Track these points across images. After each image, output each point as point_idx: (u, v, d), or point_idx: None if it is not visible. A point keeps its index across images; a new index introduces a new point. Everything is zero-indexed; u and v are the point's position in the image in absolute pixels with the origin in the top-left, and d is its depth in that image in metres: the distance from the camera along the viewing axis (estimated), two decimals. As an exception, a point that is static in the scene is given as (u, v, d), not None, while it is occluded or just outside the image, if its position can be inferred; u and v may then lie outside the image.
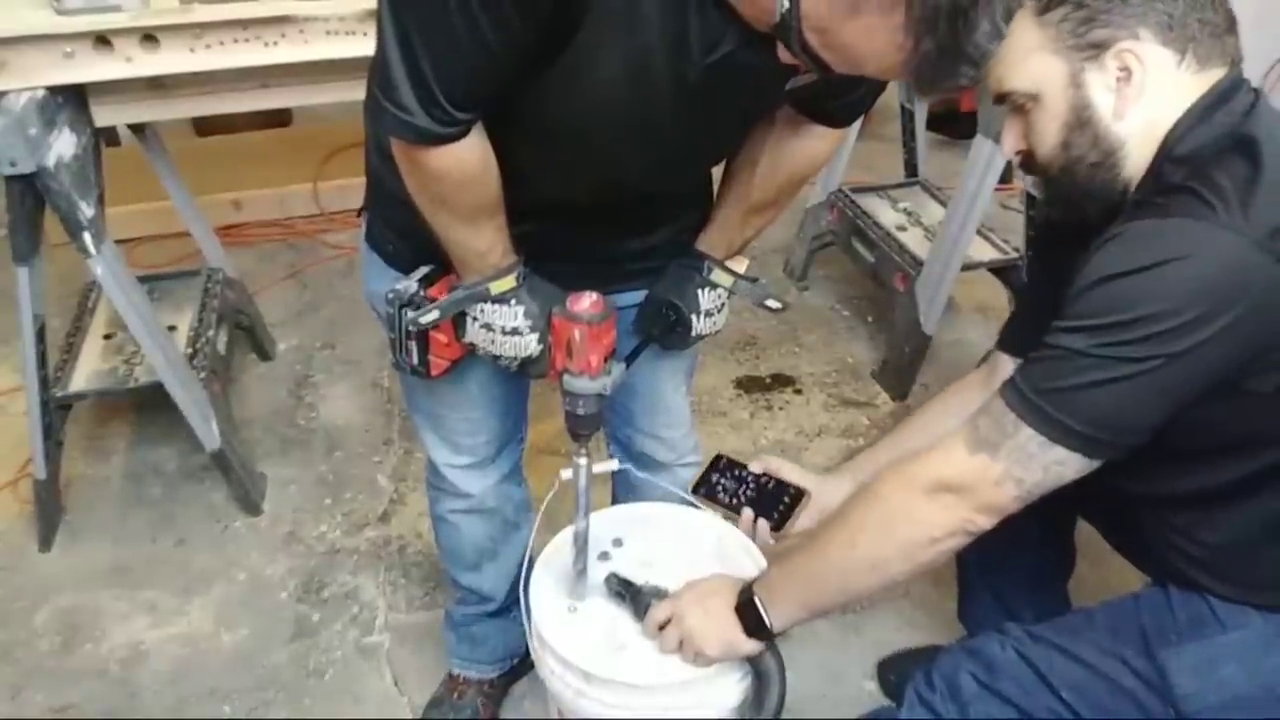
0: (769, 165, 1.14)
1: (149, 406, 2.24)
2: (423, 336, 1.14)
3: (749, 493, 1.31)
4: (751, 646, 1.11)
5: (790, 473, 1.32)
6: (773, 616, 1.09)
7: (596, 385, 1.08)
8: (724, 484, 1.33)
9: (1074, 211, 1.07)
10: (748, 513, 1.29)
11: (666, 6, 0.86)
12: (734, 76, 0.91)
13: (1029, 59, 1.02)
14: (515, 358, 1.12)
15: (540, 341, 1.10)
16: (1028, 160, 1.09)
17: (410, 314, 1.11)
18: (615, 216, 1.15)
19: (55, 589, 1.91)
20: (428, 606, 1.87)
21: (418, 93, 0.89)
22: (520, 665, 1.67)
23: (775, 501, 1.29)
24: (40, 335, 1.86)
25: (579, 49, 0.87)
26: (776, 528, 1.27)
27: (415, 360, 1.16)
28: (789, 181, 1.18)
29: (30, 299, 1.80)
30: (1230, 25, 1.01)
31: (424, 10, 0.85)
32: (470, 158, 0.97)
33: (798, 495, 1.30)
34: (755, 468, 1.34)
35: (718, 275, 1.21)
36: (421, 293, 1.12)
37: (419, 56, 0.87)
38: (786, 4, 0.77)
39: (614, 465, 1.27)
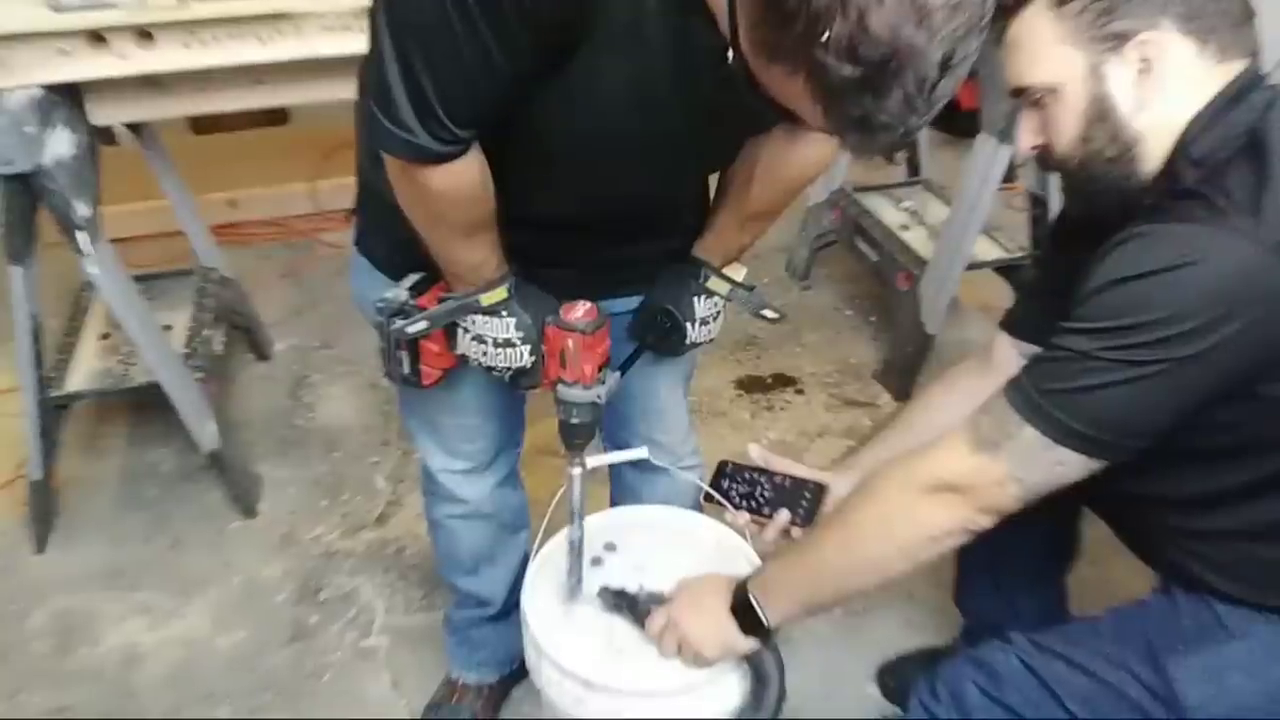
0: (766, 172, 1.13)
1: (145, 407, 2.23)
2: (413, 346, 1.13)
3: (766, 494, 1.28)
4: (749, 644, 1.11)
5: (795, 468, 1.30)
6: (769, 614, 1.08)
7: (590, 394, 1.07)
8: (736, 488, 1.30)
9: (1091, 206, 1.06)
10: (783, 514, 1.25)
11: (671, 29, 0.85)
12: (737, 97, 0.91)
13: (1047, 52, 0.99)
14: (508, 368, 1.11)
15: (533, 353, 1.09)
16: (1045, 155, 1.06)
17: (399, 323, 1.09)
18: (611, 225, 1.13)
19: (51, 591, 1.90)
20: (426, 609, 1.86)
21: (419, 112, 0.87)
22: (520, 669, 1.65)
23: (797, 499, 1.26)
24: (36, 335, 1.85)
25: (581, 67, 0.86)
26: (804, 524, 1.24)
27: (406, 370, 1.15)
28: (787, 189, 1.16)
29: (26, 299, 1.80)
30: (1247, 15, 0.99)
31: (426, 30, 0.83)
32: (468, 175, 0.96)
33: (819, 490, 1.27)
34: (756, 455, 1.31)
35: (714, 283, 1.19)
36: (411, 302, 1.11)
37: (420, 76, 0.85)
38: (731, 52, 0.76)
39: (642, 453, 1.24)
